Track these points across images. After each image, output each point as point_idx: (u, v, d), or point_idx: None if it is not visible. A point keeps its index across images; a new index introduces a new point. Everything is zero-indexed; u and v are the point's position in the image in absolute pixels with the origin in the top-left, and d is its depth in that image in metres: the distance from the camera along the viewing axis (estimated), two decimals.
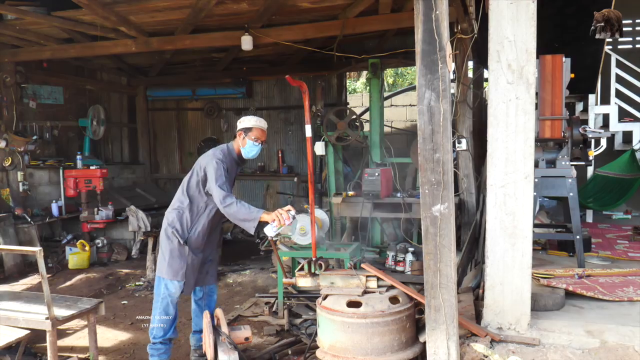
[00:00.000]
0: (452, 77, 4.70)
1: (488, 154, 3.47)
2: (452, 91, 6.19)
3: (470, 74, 7.15)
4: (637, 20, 10.63)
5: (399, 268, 6.60)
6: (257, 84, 11.06)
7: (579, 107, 9.28)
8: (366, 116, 8.20)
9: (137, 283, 6.87)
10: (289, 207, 3.82)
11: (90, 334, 4.30)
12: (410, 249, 6.58)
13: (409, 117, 11.86)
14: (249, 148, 4.12)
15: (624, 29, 9.35)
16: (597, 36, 5.21)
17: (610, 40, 7.93)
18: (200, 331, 4.27)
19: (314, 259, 4.06)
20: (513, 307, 3.48)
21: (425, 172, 3.10)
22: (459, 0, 5.55)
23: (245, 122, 4.14)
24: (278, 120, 11.05)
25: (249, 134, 4.09)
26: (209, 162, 4.00)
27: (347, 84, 13.27)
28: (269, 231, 3.79)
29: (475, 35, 5.48)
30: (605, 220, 8.00)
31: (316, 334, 3.81)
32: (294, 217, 3.79)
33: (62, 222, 8.68)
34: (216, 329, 3.78)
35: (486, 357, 3.30)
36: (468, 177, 6.29)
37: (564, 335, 3.43)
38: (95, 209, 8.18)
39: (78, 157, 8.86)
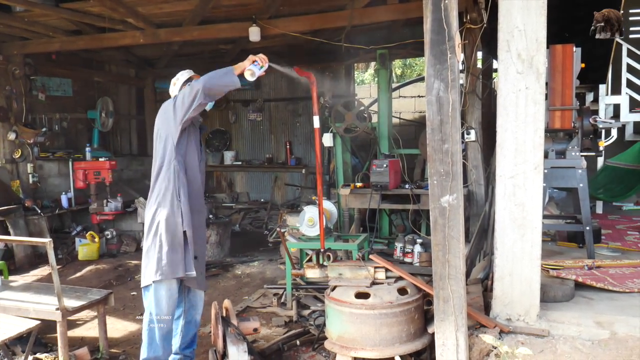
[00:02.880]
0: (461, 67, 4.66)
1: (497, 144, 3.45)
2: (461, 82, 6.15)
3: (479, 65, 7.10)
4: None
5: (407, 259, 6.59)
6: (265, 76, 10.98)
7: (590, 97, 9.19)
8: (374, 107, 8.18)
9: None
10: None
11: (100, 324, 4.34)
12: (419, 240, 6.57)
13: (417, 108, 11.80)
14: None
15: (635, 18, 9.27)
16: (597, 36, 5.16)
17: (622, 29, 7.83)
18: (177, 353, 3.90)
19: (322, 250, 4.06)
20: (522, 298, 3.46)
21: (434, 163, 3.09)
22: None
23: (180, 78, 3.85)
24: (286, 111, 11.03)
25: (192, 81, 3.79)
26: (164, 110, 3.71)
27: (355, 75, 13.22)
28: (254, 72, 3.68)
29: (485, 25, 5.43)
30: (615, 211, 7.94)
31: (324, 325, 3.82)
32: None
33: (72, 214, 8.74)
34: (225, 320, 3.80)
35: (495, 348, 3.29)
36: (477, 168, 6.26)
37: (574, 327, 3.41)
38: (105, 201, 8.23)
39: (87, 149, 8.90)
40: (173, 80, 3.89)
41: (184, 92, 3.58)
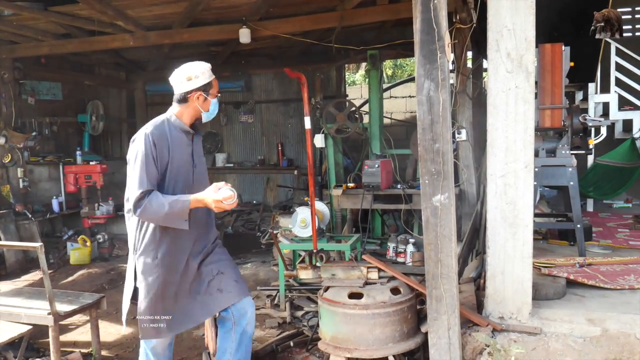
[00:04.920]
0: (451, 67, 4.68)
1: (488, 143, 3.46)
2: (452, 81, 6.17)
3: (469, 64, 7.13)
4: (637, 8, 10.58)
5: (400, 259, 6.60)
6: (256, 78, 11.03)
7: (579, 95, 9.25)
8: (365, 108, 8.19)
9: None
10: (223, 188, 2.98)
11: (92, 328, 4.31)
12: (411, 240, 6.58)
13: (408, 109, 11.83)
14: (213, 107, 3.20)
15: (624, 17, 9.32)
16: (597, 36, 5.18)
17: None
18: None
19: (315, 251, 4.07)
20: (514, 296, 3.48)
21: (425, 163, 3.09)
22: None
23: (200, 77, 3.08)
24: (277, 113, 11.03)
25: (211, 91, 3.15)
26: (130, 149, 3.05)
27: (346, 76, 13.24)
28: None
29: (474, 25, 5.45)
30: (605, 209, 7.98)
31: (318, 325, 3.82)
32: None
33: (63, 218, 8.69)
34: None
35: (488, 346, 3.30)
36: (468, 168, 6.28)
37: (566, 324, 3.43)
38: (96, 205, 8.20)
39: (77, 152, 8.87)
40: (188, 76, 3.08)
41: (132, 179, 2.95)
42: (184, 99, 3.11)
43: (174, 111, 3.15)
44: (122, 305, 3.21)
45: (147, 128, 3.03)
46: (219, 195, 2.94)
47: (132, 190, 2.92)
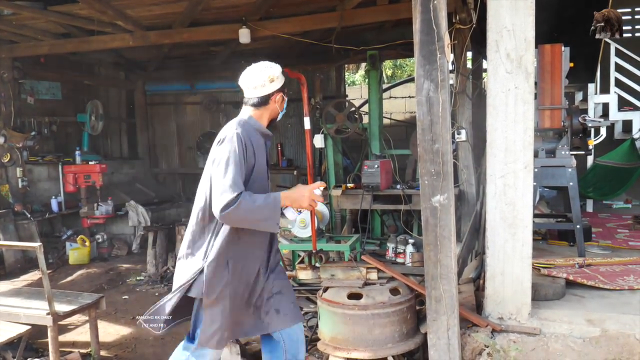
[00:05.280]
0: (450, 67, 4.68)
1: (487, 144, 3.46)
2: (451, 82, 6.16)
3: (469, 65, 7.12)
4: (637, 9, 10.58)
5: (399, 260, 6.59)
6: None
7: (579, 96, 9.25)
8: (365, 108, 8.19)
9: (138, 278, 6.87)
10: (318, 184, 2.97)
11: (91, 329, 4.32)
12: (411, 241, 6.57)
13: (408, 109, 11.82)
14: (286, 105, 3.16)
15: (624, 17, 9.32)
16: (597, 36, 5.18)
17: None
18: None
19: (314, 251, 4.06)
20: (514, 297, 3.47)
21: (424, 163, 3.09)
22: None
23: (280, 76, 3.00)
24: None
25: (286, 90, 3.09)
26: (218, 149, 2.83)
27: (346, 76, 13.23)
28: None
29: (474, 26, 5.45)
30: (605, 209, 7.99)
31: (317, 326, 3.82)
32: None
33: (62, 218, 8.67)
34: None
35: (487, 347, 3.30)
36: (468, 168, 6.27)
37: (565, 325, 3.43)
38: (95, 204, 8.18)
39: (77, 152, 8.85)
40: (270, 76, 2.97)
41: (225, 179, 2.68)
42: (265, 102, 2.99)
43: (250, 113, 3.01)
44: (152, 308, 2.92)
45: (237, 128, 2.85)
46: (312, 186, 2.91)
47: (224, 192, 2.66)
